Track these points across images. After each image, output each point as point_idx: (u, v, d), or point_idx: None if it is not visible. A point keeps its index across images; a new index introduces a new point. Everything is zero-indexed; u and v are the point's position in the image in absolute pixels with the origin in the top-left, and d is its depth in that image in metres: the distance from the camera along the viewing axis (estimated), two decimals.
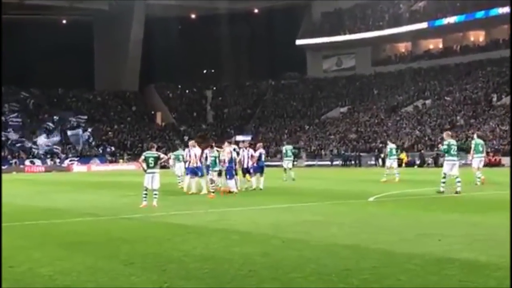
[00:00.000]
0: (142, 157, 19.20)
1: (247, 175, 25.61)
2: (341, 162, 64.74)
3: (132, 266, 9.12)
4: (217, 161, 22.91)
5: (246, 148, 26.05)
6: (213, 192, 21.88)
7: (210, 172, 22.93)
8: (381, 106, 78.44)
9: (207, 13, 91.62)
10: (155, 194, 18.44)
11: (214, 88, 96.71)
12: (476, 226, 12.65)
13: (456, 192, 20.52)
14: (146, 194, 18.52)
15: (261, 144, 28.60)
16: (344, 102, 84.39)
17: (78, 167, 70.00)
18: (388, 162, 30.97)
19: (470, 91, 71.39)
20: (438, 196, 20.26)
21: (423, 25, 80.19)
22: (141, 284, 7.95)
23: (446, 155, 21.45)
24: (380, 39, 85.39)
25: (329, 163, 65.66)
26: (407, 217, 14.65)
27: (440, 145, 38.87)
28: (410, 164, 55.67)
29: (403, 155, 55.40)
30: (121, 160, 73.23)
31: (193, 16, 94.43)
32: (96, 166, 71.01)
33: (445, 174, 21.12)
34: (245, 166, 25.51)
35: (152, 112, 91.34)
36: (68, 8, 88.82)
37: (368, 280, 7.87)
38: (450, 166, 21.10)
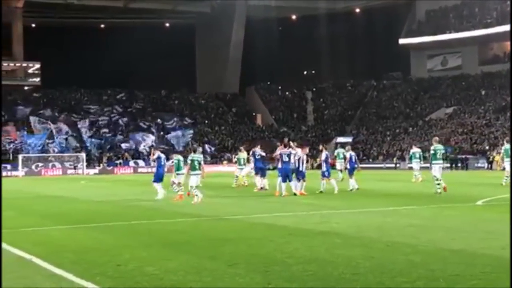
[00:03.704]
0: (189, 160, 21.53)
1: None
2: (447, 164, 63.19)
3: (236, 266, 9.22)
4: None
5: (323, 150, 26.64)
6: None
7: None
8: (489, 107, 76.09)
9: (307, 14, 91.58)
10: (196, 191, 20.93)
11: (314, 89, 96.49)
12: None
13: (437, 193, 22.55)
14: (196, 191, 20.90)
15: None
16: (449, 103, 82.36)
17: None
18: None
19: None
20: None
21: None
22: (245, 285, 8.03)
23: (433, 159, 23.49)
24: (487, 37, 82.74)
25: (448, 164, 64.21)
26: None
27: None
28: None
29: None
30: (224, 162, 74.13)
31: (293, 17, 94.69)
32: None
33: (436, 177, 23.08)
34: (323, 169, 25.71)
35: (253, 114, 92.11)
36: (171, 11, 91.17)
37: (477, 286, 7.69)
38: (438, 168, 23.18)
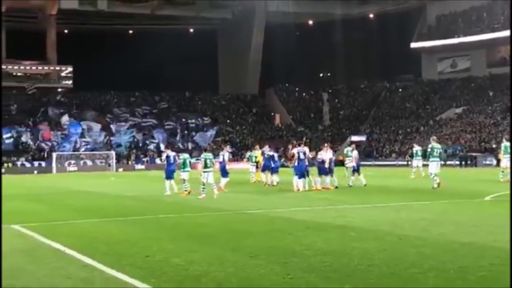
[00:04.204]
0: (202, 159, 22.14)
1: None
2: (457, 162, 62.79)
3: (257, 258, 9.23)
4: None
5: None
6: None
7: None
8: (496, 107, 75.40)
9: (323, 19, 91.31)
10: (214, 187, 21.44)
11: (330, 90, 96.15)
12: None
13: (433, 188, 23.16)
14: (204, 188, 21.18)
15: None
16: (458, 103, 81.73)
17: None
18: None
19: None
20: None
21: None
22: (266, 275, 8.04)
23: (431, 156, 24.21)
24: (495, 41, 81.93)
25: (443, 162, 63.72)
26: None
27: None
28: None
29: None
30: (245, 159, 74.11)
31: (310, 22, 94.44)
32: (218, 164, 72.10)
33: (432, 173, 23.88)
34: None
35: (271, 114, 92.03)
36: (194, 18, 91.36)
37: (486, 277, 7.65)
38: (435, 165, 23.90)
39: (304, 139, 73.02)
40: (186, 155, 24.53)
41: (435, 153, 24.14)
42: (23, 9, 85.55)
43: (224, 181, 25.55)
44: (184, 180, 23.31)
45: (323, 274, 8.03)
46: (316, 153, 25.77)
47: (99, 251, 10.14)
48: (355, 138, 79.49)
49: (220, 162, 27.39)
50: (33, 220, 15.29)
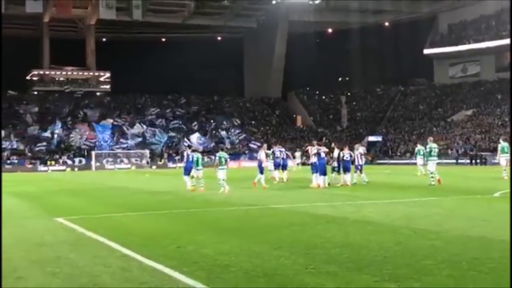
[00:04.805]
0: (217, 157, 22.67)
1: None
2: (467, 160, 62.17)
3: (281, 249, 9.22)
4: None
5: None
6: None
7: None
8: (504, 109, 74.54)
9: (341, 28, 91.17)
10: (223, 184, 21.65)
11: (348, 93, 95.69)
12: None
13: (430, 185, 23.25)
14: (223, 183, 21.53)
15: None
16: (469, 106, 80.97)
17: (230, 163, 71.37)
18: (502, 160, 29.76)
19: None
20: None
21: None
22: (289, 266, 8.03)
23: (430, 156, 24.30)
24: (503, 47, 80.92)
25: (454, 161, 63.21)
26: None
27: None
28: None
29: None
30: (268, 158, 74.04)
31: (329, 30, 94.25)
32: (245, 162, 72.38)
33: (430, 171, 24.09)
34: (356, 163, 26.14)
35: (293, 116, 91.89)
36: (222, 27, 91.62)
37: (496, 269, 7.56)
38: (433, 164, 23.98)
39: (324, 139, 73.03)
40: (198, 155, 24.50)
41: (432, 153, 24.25)
42: (66, 19, 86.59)
43: (259, 177, 25.54)
44: (197, 177, 23.50)
45: (342, 265, 8.00)
46: (330, 153, 25.63)
47: (135, 242, 10.21)
48: (371, 138, 79.22)
49: (259, 160, 27.52)
50: (75, 214, 15.45)
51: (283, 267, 7.97)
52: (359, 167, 26.20)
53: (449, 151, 68.08)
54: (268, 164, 31.47)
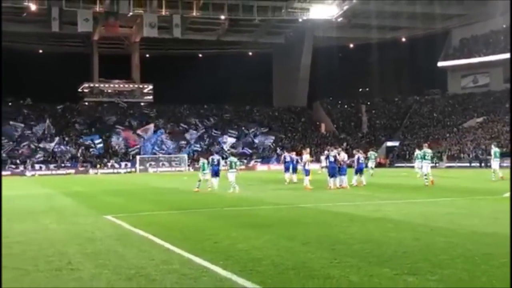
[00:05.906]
0: (228, 161, 23.06)
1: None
2: (478, 164, 61.18)
3: (308, 245, 9.18)
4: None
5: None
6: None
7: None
8: None
9: (362, 42, 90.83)
10: (234, 185, 22.03)
11: (368, 103, 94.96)
12: None
13: (425, 185, 23.61)
14: (234, 184, 21.97)
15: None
16: (479, 114, 79.82)
17: (260, 167, 71.62)
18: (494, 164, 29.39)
19: None
20: None
21: None
22: (316, 259, 7.99)
23: (424, 160, 24.92)
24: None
25: (467, 164, 62.29)
26: None
27: None
28: None
29: None
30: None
31: (350, 45, 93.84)
32: (274, 166, 72.22)
33: (424, 173, 24.63)
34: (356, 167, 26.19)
35: (317, 123, 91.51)
36: (253, 43, 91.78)
37: (507, 263, 7.39)
38: (427, 167, 24.58)
39: (345, 144, 72.60)
40: (205, 160, 24.60)
41: (426, 157, 24.83)
42: (113, 37, 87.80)
43: (306, 179, 25.12)
44: (206, 180, 23.71)
45: (364, 259, 7.94)
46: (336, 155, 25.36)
47: (176, 237, 10.25)
48: (389, 143, 78.62)
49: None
50: (122, 212, 15.58)
51: (310, 260, 7.93)
52: (359, 170, 25.86)
53: (462, 155, 67.18)
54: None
